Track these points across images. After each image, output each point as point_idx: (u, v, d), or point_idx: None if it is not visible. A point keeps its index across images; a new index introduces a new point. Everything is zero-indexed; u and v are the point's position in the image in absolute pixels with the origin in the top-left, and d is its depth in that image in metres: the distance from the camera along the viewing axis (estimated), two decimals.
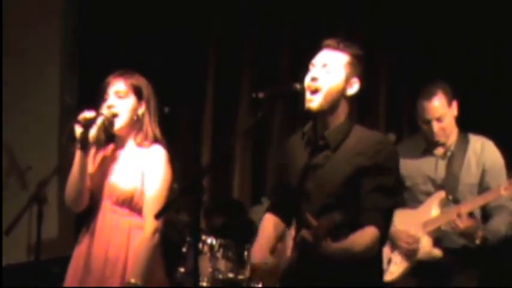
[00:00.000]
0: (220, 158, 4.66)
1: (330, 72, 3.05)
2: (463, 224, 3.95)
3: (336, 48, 3.09)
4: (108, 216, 3.49)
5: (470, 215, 4.01)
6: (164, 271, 3.60)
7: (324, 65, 3.06)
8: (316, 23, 5.71)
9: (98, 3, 5.64)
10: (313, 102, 3.04)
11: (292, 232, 3.31)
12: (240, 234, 5.08)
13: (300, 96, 3.07)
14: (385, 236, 3.07)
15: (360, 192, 2.99)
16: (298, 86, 3.07)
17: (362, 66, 3.11)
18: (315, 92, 3.04)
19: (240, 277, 4.84)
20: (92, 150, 3.56)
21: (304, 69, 3.11)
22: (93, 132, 3.40)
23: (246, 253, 4.87)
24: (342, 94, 3.08)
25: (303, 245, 2.86)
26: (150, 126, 3.52)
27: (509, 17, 5.08)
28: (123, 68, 3.59)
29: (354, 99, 3.12)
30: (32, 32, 5.44)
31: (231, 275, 4.86)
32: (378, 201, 2.98)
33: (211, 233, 5.00)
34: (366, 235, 2.96)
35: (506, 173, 4.06)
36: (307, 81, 3.06)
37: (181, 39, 5.84)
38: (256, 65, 6.00)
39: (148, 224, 3.41)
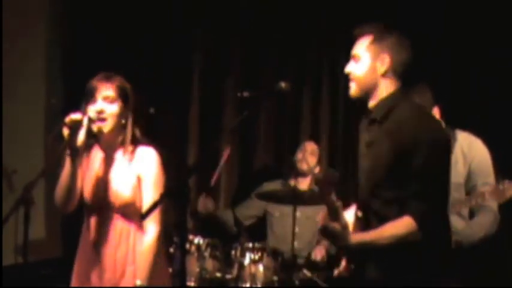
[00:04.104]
0: (207, 157, 4.66)
1: (357, 62, 3.12)
2: None
3: (359, 34, 3.15)
4: (104, 221, 3.51)
5: None
6: (169, 275, 3.68)
7: (353, 57, 3.14)
8: (301, 24, 5.73)
9: (83, 6, 5.63)
10: (351, 89, 3.15)
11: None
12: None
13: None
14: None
15: (403, 174, 2.93)
16: (283, 84, 3.10)
17: (390, 39, 3.10)
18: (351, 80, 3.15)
19: (228, 276, 4.84)
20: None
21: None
22: (81, 136, 3.38)
23: (233, 252, 4.87)
24: (375, 75, 3.10)
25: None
26: (133, 130, 3.52)
27: (498, 16, 5.11)
28: (109, 70, 3.59)
29: (397, 74, 3.10)
30: (17, 34, 5.42)
31: (218, 275, 4.85)
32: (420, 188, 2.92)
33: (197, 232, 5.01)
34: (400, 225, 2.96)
35: (494, 175, 4.06)
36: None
37: (166, 40, 5.84)
38: (242, 64, 6.01)
39: (152, 228, 3.46)
